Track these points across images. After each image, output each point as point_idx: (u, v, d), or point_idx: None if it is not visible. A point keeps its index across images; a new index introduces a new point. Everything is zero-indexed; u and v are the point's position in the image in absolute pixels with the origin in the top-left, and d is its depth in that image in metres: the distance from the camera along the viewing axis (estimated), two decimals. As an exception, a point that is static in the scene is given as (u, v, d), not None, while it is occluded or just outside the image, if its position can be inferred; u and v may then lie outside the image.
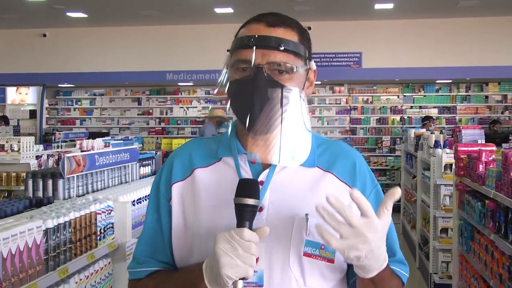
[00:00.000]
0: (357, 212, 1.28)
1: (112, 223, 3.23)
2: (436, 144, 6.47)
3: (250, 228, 1.29)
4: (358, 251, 1.24)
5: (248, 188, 1.31)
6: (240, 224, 1.29)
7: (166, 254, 1.52)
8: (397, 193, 1.28)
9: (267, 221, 1.40)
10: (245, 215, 1.29)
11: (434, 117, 12.15)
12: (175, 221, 1.50)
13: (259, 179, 1.43)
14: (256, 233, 1.27)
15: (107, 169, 4.07)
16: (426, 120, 11.54)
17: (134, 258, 1.57)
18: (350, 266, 1.45)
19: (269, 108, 1.38)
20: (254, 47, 1.38)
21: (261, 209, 1.40)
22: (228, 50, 1.47)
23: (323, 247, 1.38)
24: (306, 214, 1.39)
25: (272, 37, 1.39)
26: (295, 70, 1.40)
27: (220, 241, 1.25)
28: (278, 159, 1.43)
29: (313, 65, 1.48)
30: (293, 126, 1.47)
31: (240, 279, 1.25)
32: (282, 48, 1.38)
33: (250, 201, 1.30)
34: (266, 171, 1.45)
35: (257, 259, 1.28)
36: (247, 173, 1.46)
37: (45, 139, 11.11)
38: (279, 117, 1.40)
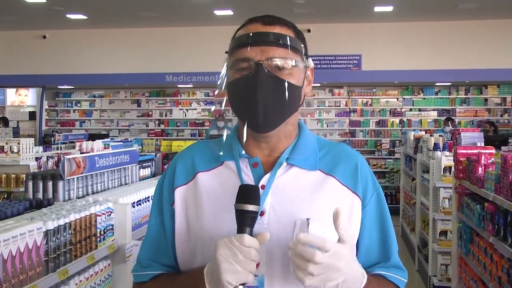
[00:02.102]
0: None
1: (112, 225, 3.23)
2: (436, 147, 6.48)
3: (251, 233, 1.29)
4: (332, 281, 1.24)
5: (248, 194, 1.31)
6: (240, 230, 1.29)
7: (170, 258, 1.53)
8: (338, 212, 1.28)
9: (269, 225, 1.40)
10: (245, 221, 1.30)
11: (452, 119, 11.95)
12: (178, 225, 1.50)
13: (260, 183, 1.44)
14: (257, 239, 1.28)
15: (107, 171, 4.07)
16: (448, 121, 11.43)
17: (138, 261, 1.57)
18: None
19: (272, 104, 1.39)
20: (253, 44, 1.39)
21: (262, 214, 1.40)
22: (226, 52, 1.48)
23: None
24: (307, 218, 1.39)
25: (269, 33, 1.40)
26: (294, 65, 1.41)
27: (221, 247, 1.25)
28: (279, 158, 1.46)
29: (310, 62, 1.49)
30: (292, 123, 1.48)
31: (240, 284, 1.25)
32: (279, 42, 1.39)
33: (251, 207, 1.30)
34: (268, 175, 1.45)
35: (257, 264, 1.28)
36: (248, 177, 1.46)
37: (45, 141, 11.12)
38: (281, 113, 1.41)
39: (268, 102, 1.38)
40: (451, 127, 10.89)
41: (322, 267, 1.24)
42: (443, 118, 12.95)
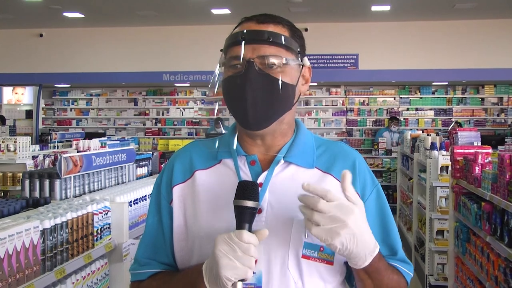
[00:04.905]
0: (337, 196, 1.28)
1: (109, 224, 3.23)
2: (433, 146, 6.48)
3: (250, 230, 1.29)
4: (339, 236, 1.24)
5: (247, 190, 1.32)
6: (239, 226, 1.29)
7: (168, 256, 1.53)
8: (347, 174, 1.29)
9: (266, 222, 1.40)
10: (244, 217, 1.30)
11: (398, 118, 12.65)
12: (176, 223, 1.50)
13: (258, 181, 1.44)
14: (255, 235, 1.28)
15: (104, 170, 4.06)
16: (394, 120, 12.14)
17: (135, 260, 1.57)
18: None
19: (262, 102, 1.39)
20: (244, 42, 1.40)
21: (260, 211, 1.41)
22: (221, 50, 1.48)
23: (321, 249, 1.39)
24: None
25: (261, 31, 1.41)
26: (285, 63, 1.41)
27: (220, 243, 1.26)
28: (277, 156, 1.47)
29: (306, 61, 1.49)
30: (287, 121, 1.48)
31: (239, 280, 1.25)
32: (271, 40, 1.39)
33: (249, 203, 1.30)
34: (265, 172, 1.46)
35: (256, 261, 1.28)
36: (246, 175, 1.46)
37: (41, 139, 11.09)
38: (273, 110, 1.41)
39: (258, 100, 1.38)
40: (398, 127, 12.00)
41: (326, 217, 1.24)
42: (440, 117, 13.02)
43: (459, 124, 11.55)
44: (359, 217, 1.28)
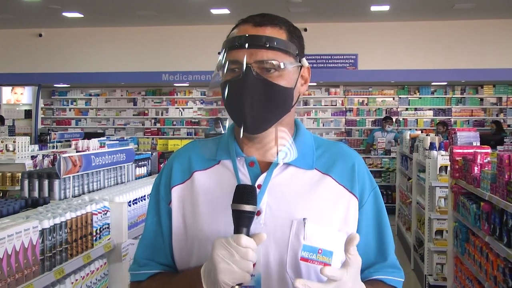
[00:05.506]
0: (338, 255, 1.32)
1: (108, 224, 3.23)
2: (432, 146, 6.48)
3: (248, 233, 1.29)
4: None
5: (245, 194, 1.31)
6: (237, 230, 1.29)
7: (167, 256, 1.53)
8: (356, 238, 1.28)
9: (265, 225, 1.40)
10: (242, 221, 1.29)
11: (392, 119, 12.60)
12: (175, 224, 1.50)
13: (257, 183, 1.44)
14: (253, 239, 1.27)
15: (103, 170, 4.06)
16: (388, 119, 12.14)
17: (135, 260, 1.57)
18: None
19: (260, 106, 1.39)
20: (241, 47, 1.39)
21: (258, 213, 1.40)
22: (219, 53, 1.48)
23: (320, 251, 1.38)
24: (303, 218, 1.39)
25: (258, 35, 1.40)
26: (283, 67, 1.40)
27: (218, 247, 1.25)
28: (276, 157, 1.45)
29: (305, 62, 1.48)
30: (286, 122, 1.48)
31: (237, 284, 1.25)
32: (267, 45, 1.39)
33: (247, 207, 1.30)
34: (264, 174, 1.45)
35: (254, 264, 1.28)
36: (245, 176, 1.46)
37: (40, 139, 11.10)
38: (271, 114, 1.41)
39: (256, 104, 1.38)
40: (392, 126, 12.07)
41: None
42: (439, 117, 13.02)
43: (444, 125, 11.54)
44: (350, 284, 1.27)
